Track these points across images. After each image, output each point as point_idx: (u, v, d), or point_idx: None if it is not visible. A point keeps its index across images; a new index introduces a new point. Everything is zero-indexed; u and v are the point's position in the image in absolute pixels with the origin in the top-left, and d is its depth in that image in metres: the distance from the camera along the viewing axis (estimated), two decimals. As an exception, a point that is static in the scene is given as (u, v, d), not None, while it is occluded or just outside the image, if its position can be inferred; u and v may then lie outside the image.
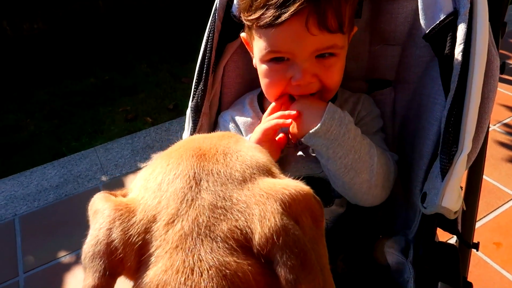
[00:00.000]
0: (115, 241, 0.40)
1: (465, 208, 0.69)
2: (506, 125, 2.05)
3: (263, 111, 0.86)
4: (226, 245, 0.39)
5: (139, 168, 2.02)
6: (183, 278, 0.37)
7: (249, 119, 0.86)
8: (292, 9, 0.66)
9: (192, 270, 0.37)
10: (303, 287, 0.37)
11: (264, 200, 0.40)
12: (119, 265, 0.40)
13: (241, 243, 0.39)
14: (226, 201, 0.41)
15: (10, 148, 2.41)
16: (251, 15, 0.72)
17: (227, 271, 0.37)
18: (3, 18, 3.12)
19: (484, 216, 1.57)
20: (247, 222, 0.39)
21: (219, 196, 0.41)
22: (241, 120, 0.87)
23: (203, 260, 0.38)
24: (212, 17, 0.86)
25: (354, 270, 0.76)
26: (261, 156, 0.48)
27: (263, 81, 0.79)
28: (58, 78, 3.05)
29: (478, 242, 0.76)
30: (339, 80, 0.78)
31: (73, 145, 2.37)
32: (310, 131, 0.70)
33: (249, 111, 0.88)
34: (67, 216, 1.81)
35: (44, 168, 2.14)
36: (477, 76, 0.67)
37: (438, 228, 0.73)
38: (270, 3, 0.68)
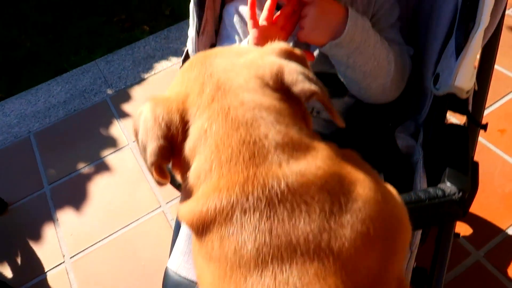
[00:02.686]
0: (160, 116, 0.48)
1: (476, 89, 0.69)
2: (521, 9, 1.94)
3: None
4: (250, 87, 0.47)
5: (143, 79, 2.00)
6: (224, 115, 0.45)
7: None
8: None
9: (229, 109, 0.45)
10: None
11: (260, 57, 0.51)
12: (169, 130, 0.47)
13: (260, 83, 0.48)
14: (235, 65, 0.50)
15: (10, 65, 2.37)
16: None
17: (260, 104, 0.45)
18: None
19: (491, 104, 1.57)
20: (258, 71, 0.49)
21: (228, 64, 0.51)
22: (246, 10, 0.83)
23: (235, 100, 0.46)
24: None
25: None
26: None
27: None
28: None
29: (487, 123, 0.77)
30: None
31: (72, 60, 2.32)
32: (333, 42, 0.69)
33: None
34: (80, 130, 1.85)
35: (49, 85, 2.12)
36: None
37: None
38: None
